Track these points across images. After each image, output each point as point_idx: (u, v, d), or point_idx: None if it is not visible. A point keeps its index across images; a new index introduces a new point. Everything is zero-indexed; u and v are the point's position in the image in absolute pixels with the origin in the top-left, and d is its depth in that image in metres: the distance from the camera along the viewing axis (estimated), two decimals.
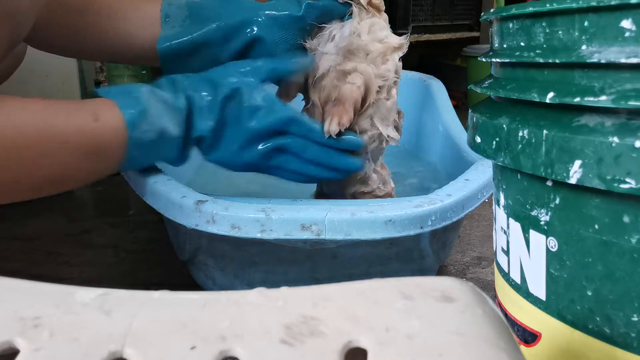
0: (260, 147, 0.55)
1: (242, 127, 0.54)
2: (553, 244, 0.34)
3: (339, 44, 0.57)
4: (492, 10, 0.38)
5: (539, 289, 0.35)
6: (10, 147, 0.43)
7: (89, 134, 0.47)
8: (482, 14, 0.41)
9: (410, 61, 2.00)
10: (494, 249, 0.43)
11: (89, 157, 0.48)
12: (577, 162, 0.29)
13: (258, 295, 0.22)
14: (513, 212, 0.37)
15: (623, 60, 0.27)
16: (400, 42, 0.58)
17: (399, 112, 0.62)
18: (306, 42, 0.59)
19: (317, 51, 0.59)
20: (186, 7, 0.61)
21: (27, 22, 0.52)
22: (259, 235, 0.48)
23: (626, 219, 0.29)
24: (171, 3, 0.62)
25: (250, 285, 0.51)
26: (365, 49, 0.56)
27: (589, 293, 0.32)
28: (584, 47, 0.30)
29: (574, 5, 0.29)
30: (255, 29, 0.59)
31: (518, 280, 0.38)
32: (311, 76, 0.59)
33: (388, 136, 0.59)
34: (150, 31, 0.61)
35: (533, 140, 0.31)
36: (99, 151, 0.48)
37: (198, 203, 0.50)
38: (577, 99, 0.29)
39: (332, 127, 0.53)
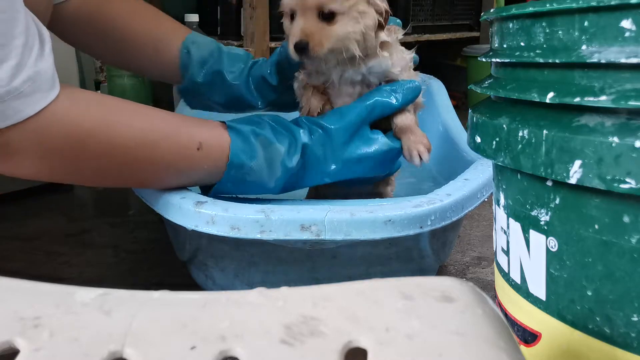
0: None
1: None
2: (553, 244, 0.34)
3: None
4: (492, 10, 0.38)
5: (539, 289, 0.35)
6: (112, 152, 0.47)
7: (190, 160, 0.51)
8: (482, 14, 0.41)
9: None
10: (494, 249, 0.43)
11: (185, 175, 0.52)
12: (577, 162, 0.29)
13: (258, 295, 0.22)
14: (513, 212, 0.37)
15: (623, 60, 0.27)
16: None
17: None
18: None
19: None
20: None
21: (43, 18, 0.54)
22: (258, 236, 0.48)
23: (626, 219, 0.29)
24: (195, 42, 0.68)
25: (250, 286, 0.51)
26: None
27: (589, 293, 0.32)
28: (584, 47, 0.30)
29: (574, 5, 0.29)
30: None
31: (518, 280, 0.38)
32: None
33: None
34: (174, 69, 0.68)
35: (533, 140, 0.31)
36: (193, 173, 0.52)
37: (197, 204, 0.50)
38: (577, 99, 0.29)
39: (425, 157, 0.58)
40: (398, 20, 0.64)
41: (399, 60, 0.59)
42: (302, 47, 0.53)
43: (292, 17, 0.56)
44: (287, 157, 0.54)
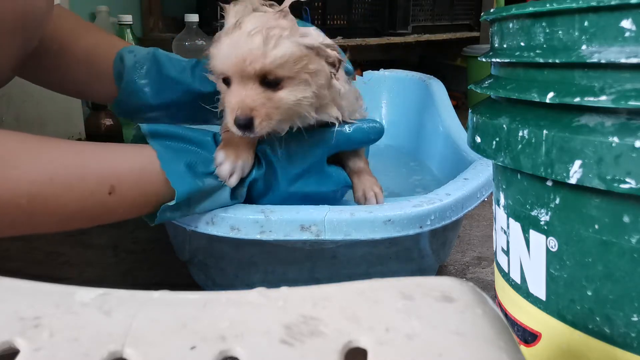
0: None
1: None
2: (553, 244, 0.34)
3: None
4: (492, 10, 0.38)
5: (539, 289, 0.35)
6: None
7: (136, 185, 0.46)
8: (482, 14, 0.41)
9: (410, 61, 2.01)
10: (494, 249, 0.43)
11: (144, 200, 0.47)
12: (577, 162, 0.29)
13: (258, 295, 0.22)
14: (513, 212, 0.37)
15: (623, 60, 0.27)
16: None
17: None
18: None
19: None
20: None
21: (40, 31, 0.52)
22: (258, 237, 0.48)
23: (626, 219, 0.29)
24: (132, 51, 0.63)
25: (250, 286, 0.51)
26: None
27: (589, 293, 0.32)
28: (584, 47, 0.30)
29: (574, 5, 0.29)
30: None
31: (518, 280, 0.38)
32: None
33: None
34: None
35: (533, 140, 0.31)
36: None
37: None
38: (577, 99, 0.29)
39: (380, 199, 0.54)
40: (350, 67, 0.56)
41: (348, 108, 0.52)
42: (244, 124, 0.44)
43: (226, 81, 0.47)
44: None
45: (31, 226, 0.43)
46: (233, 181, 0.48)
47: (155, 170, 0.46)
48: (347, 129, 0.52)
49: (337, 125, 0.51)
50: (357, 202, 0.54)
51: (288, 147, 0.50)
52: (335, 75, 0.48)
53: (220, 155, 0.48)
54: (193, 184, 0.46)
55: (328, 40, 0.48)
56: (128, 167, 0.45)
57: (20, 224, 0.42)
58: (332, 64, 0.47)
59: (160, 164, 0.46)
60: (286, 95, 0.45)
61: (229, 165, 0.48)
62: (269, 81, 0.45)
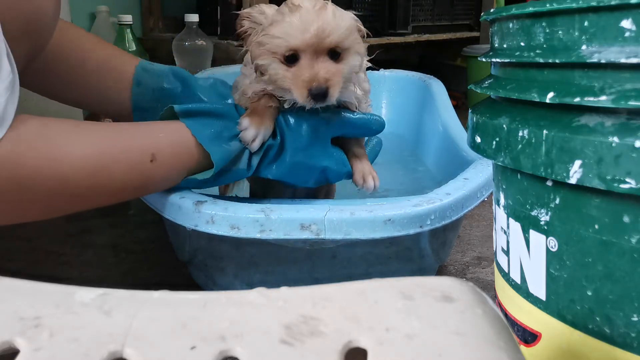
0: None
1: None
2: (553, 244, 0.34)
3: None
4: (492, 10, 0.38)
5: (539, 289, 0.35)
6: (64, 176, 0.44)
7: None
8: (482, 14, 0.41)
9: (410, 61, 2.01)
10: (494, 249, 0.43)
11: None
12: (577, 162, 0.29)
13: (258, 295, 0.22)
14: (513, 212, 0.37)
15: (623, 60, 0.27)
16: None
17: None
18: None
19: None
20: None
21: (47, 37, 0.53)
22: (258, 236, 0.48)
23: (626, 219, 0.29)
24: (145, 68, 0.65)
25: (250, 286, 0.51)
26: None
27: (589, 293, 0.32)
28: (584, 47, 0.30)
29: (574, 5, 0.29)
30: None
31: (518, 280, 0.38)
32: None
33: None
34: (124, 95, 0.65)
35: (533, 140, 0.31)
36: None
37: (197, 204, 0.50)
38: (577, 99, 0.29)
39: (377, 183, 0.57)
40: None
41: (359, 90, 0.57)
42: (322, 93, 0.48)
43: (290, 59, 0.50)
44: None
45: (85, 201, 0.47)
46: (255, 145, 0.52)
47: (189, 141, 0.51)
48: (353, 115, 0.56)
49: (346, 111, 0.56)
50: (355, 183, 0.58)
51: (299, 120, 0.54)
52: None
53: (245, 121, 0.52)
54: (223, 150, 0.51)
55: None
56: (165, 138, 0.50)
57: (78, 198, 0.46)
58: (363, 37, 0.53)
59: (193, 135, 0.51)
60: (347, 65, 0.51)
61: (253, 130, 0.52)
62: (335, 52, 0.50)
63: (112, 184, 0.47)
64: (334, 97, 0.49)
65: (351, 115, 0.56)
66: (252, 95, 0.54)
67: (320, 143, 0.56)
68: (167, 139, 0.50)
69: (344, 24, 0.49)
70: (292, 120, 0.54)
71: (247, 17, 0.53)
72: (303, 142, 0.54)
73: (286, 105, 0.54)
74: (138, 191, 0.51)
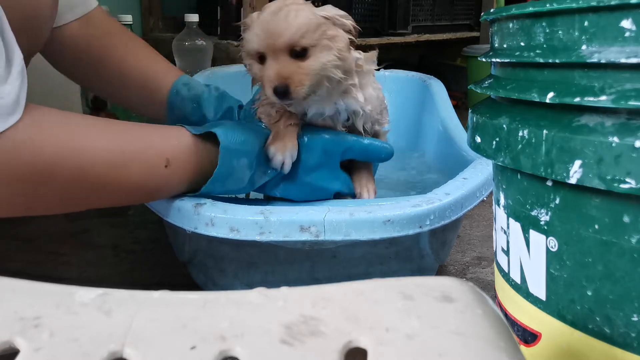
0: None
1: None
2: (553, 244, 0.34)
3: None
4: (492, 10, 0.38)
5: (539, 289, 0.35)
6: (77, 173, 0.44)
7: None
8: (482, 14, 0.41)
9: (410, 61, 2.01)
10: (494, 249, 0.43)
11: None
12: (577, 162, 0.29)
13: (258, 295, 0.22)
14: (513, 212, 0.37)
15: (623, 60, 0.27)
16: None
17: None
18: None
19: None
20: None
21: (44, 35, 0.54)
22: (257, 238, 0.48)
23: (626, 219, 0.29)
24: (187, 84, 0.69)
25: (250, 286, 0.51)
26: None
27: (589, 293, 0.32)
28: (584, 47, 0.30)
29: (574, 5, 0.29)
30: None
31: (518, 280, 0.38)
32: None
33: None
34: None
35: (533, 140, 0.31)
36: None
37: (196, 206, 0.49)
38: (577, 99, 0.29)
39: (372, 195, 0.61)
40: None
41: (370, 98, 0.59)
42: (282, 91, 0.51)
43: (261, 59, 0.54)
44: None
45: (101, 196, 0.47)
46: (286, 168, 0.56)
47: (205, 149, 0.52)
48: (365, 140, 0.60)
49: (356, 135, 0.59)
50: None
51: (313, 141, 0.57)
52: (354, 41, 0.55)
53: (271, 150, 0.55)
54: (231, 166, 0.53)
55: (342, 12, 0.55)
56: (180, 144, 0.51)
57: (95, 192, 0.46)
58: (349, 32, 0.54)
59: (206, 143, 0.52)
60: (313, 62, 0.52)
61: (280, 156, 0.55)
62: (297, 52, 0.52)
63: (128, 182, 0.47)
64: (295, 94, 0.52)
65: (363, 140, 0.59)
66: (273, 115, 0.57)
67: (330, 165, 0.58)
68: (185, 146, 0.51)
69: (297, 24, 0.51)
70: (306, 139, 0.57)
71: (243, 24, 0.57)
72: (314, 162, 0.57)
73: (307, 116, 0.57)
74: (153, 195, 0.51)
